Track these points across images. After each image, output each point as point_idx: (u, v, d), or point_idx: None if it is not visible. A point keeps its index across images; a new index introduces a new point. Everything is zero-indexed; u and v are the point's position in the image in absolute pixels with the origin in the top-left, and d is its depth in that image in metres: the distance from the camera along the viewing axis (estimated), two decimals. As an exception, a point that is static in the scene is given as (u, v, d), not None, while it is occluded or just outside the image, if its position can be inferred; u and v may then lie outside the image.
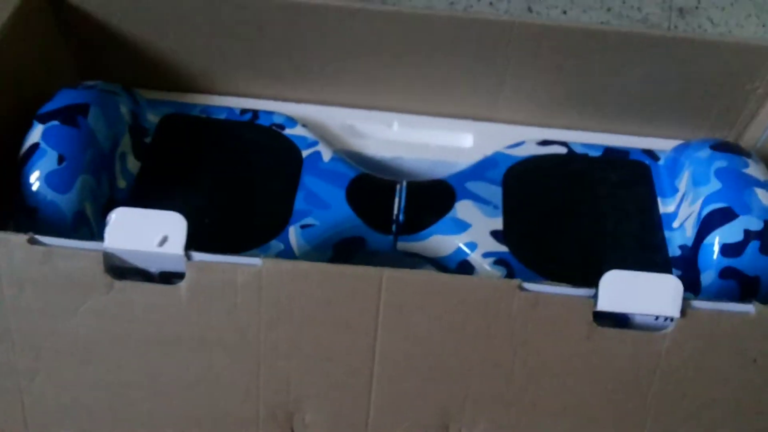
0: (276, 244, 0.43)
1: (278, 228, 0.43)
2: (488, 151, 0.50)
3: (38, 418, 0.36)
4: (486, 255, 0.42)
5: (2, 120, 0.43)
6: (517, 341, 0.33)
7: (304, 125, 0.49)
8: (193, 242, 0.41)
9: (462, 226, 0.43)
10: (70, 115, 0.42)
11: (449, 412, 0.35)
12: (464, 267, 0.43)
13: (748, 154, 0.43)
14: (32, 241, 0.33)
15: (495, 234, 0.43)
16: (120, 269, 0.34)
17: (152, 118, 0.48)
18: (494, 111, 0.51)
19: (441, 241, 0.44)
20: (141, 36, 0.49)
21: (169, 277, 0.34)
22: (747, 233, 0.40)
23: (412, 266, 0.46)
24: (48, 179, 0.40)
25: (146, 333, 0.35)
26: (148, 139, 0.47)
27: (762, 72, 0.46)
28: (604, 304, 0.33)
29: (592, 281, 0.41)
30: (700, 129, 0.51)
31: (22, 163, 0.41)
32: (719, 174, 0.42)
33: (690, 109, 0.50)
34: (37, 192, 0.40)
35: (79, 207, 0.41)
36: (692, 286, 0.41)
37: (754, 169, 0.42)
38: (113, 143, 0.44)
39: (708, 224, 0.41)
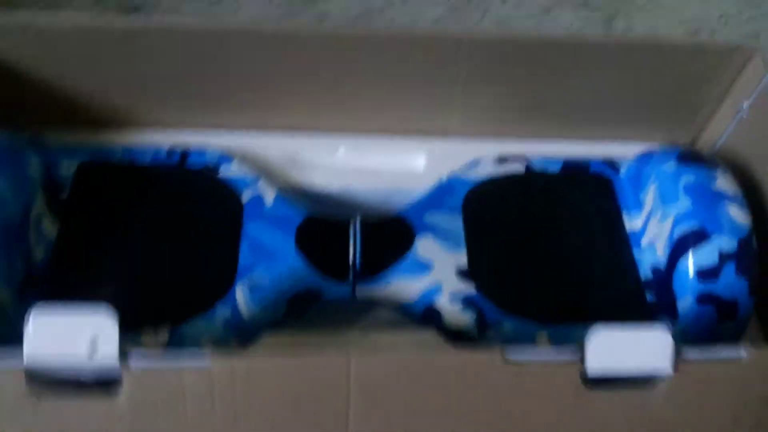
0: (222, 309, 0.38)
1: (223, 289, 0.39)
2: (443, 173, 0.46)
3: None
4: (453, 298, 0.39)
5: None
6: (502, 414, 0.31)
7: (241, 162, 0.44)
8: (128, 318, 0.37)
9: (424, 267, 0.40)
10: (-35, 187, 0.36)
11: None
12: (431, 313, 0.40)
13: (715, 165, 0.41)
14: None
15: (460, 272, 0.40)
16: (47, 382, 0.29)
17: (67, 168, 0.42)
18: (446, 125, 0.48)
19: (403, 286, 0.40)
20: (51, 75, 0.43)
21: (106, 384, 0.30)
22: (722, 256, 0.38)
23: (375, 314, 0.43)
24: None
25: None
26: (64, 195, 0.41)
27: (718, 73, 0.44)
28: (593, 366, 0.30)
29: (565, 316, 0.40)
30: (657, 131, 0.48)
31: None
32: (688, 190, 0.40)
33: (646, 112, 0.47)
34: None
35: (-8, 296, 0.35)
36: (668, 310, 0.39)
37: (722, 182, 0.40)
38: (24, 209, 0.38)
39: (681, 247, 0.39)
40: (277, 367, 0.29)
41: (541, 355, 0.30)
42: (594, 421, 0.31)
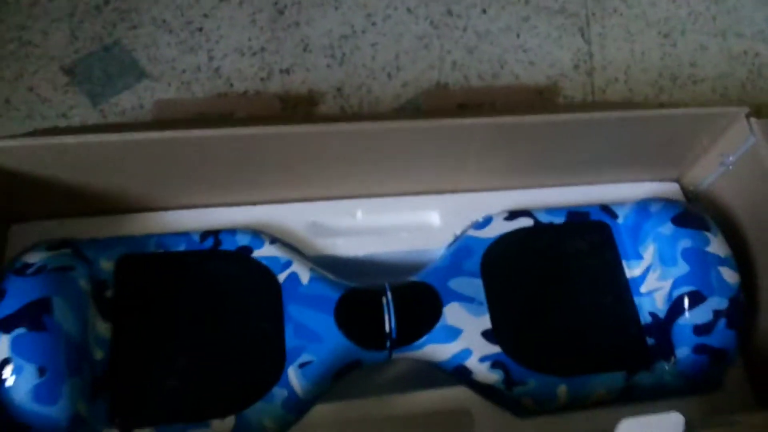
0: (279, 391, 0.42)
1: (277, 373, 0.43)
2: (457, 229, 0.50)
3: None
4: (482, 360, 0.44)
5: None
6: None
7: (273, 241, 0.47)
8: (193, 410, 0.41)
9: (454, 333, 0.45)
10: (34, 318, 0.38)
11: None
12: (462, 371, 0.45)
13: (707, 228, 0.46)
14: None
15: (486, 334, 0.45)
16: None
17: (106, 265, 0.45)
18: (457, 183, 0.51)
19: (436, 350, 0.45)
20: (68, 175, 0.45)
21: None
22: (716, 313, 0.43)
23: (409, 369, 0.48)
24: (34, 395, 0.37)
25: None
26: (109, 293, 0.44)
27: (706, 128, 0.49)
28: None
29: (579, 368, 0.45)
30: (647, 172, 0.53)
31: (-2, 381, 0.38)
32: (686, 255, 0.45)
33: (638, 160, 0.52)
34: (25, 409, 0.37)
35: (72, 410, 0.38)
36: (664, 353, 0.45)
37: (715, 246, 0.45)
38: (82, 324, 0.41)
39: (679, 305, 0.44)
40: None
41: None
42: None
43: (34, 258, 0.41)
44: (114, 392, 0.41)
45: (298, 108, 0.65)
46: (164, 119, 0.62)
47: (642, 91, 0.68)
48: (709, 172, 0.51)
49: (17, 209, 0.47)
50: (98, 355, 0.42)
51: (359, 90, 0.66)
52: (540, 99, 0.67)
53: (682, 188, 0.54)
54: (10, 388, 0.37)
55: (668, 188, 0.54)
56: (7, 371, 0.37)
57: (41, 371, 0.38)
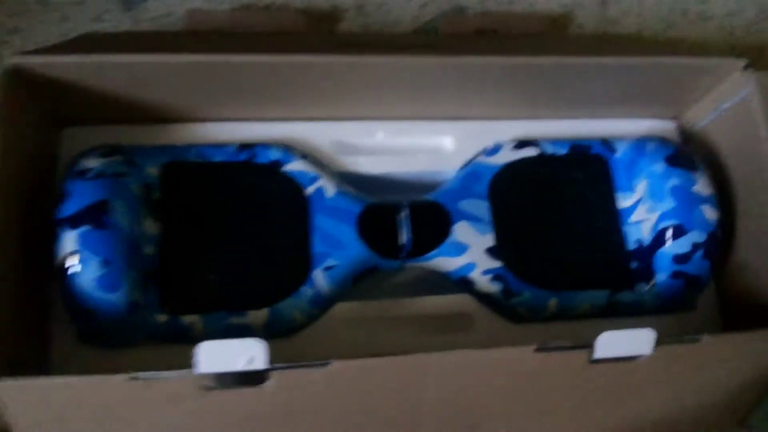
0: (306, 290, 0.49)
1: (305, 274, 0.49)
2: (468, 154, 0.55)
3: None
4: (484, 273, 0.50)
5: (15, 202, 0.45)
6: (532, 378, 0.43)
7: (302, 156, 0.52)
8: (233, 301, 0.47)
9: (461, 248, 0.51)
10: (96, 217, 0.44)
11: (479, 422, 0.46)
12: (465, 282, 0.51)
13: (695, 168, 0.51)
14: (133, 378, 0.38)
15: (490, 251, 0.51)
16: (212, 380, 0.40)
17: (152, 171, 0.49)
18: (469, 113, 0.56)
19: (444, 262, 0.51)
20: (116, 88, 0.49)
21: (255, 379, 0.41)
22: (694, 245, 0.49)
23: (418, 276, 0.54)
24: (98, 283, 0.43)
25: (237, 417, 0.42)
26: (155, 195, 0.49)
27: (705, 76, 0.53)
28: (599, 354, 0.42)
29: (569, 285, 0.51)
30: (646, 110, 0.57)
31: (65, 270, 0.43)
32: (674, 192, 0.50)
33: (638, 100, 0.56)
34: (90, 295, 0.43)
35: (131, 297, 0.44)
36: (645, 277, 0.52)
37: (700, 185, 0.50)
38: (135, 222, 0.46)
39: (662, 236, 0.50)
40: (377, 366, 0.41)
41: (563, 344, 0.42)
42: (595, 381, 0.44)
43: (93, 163, 0.46)
44: (163, 284, 0.47)
45: (321, 24, 0.68)
46: (193, 30, 0.64)
47: (652, 25, 0.71)
48: (705, 115, 0.55)
49: (70, 114, 0.51)
50: (149, 250, 0.47)
51: (379, 8, 0.69)
52: (553, 27, 0.69)
53: (679, 127, 0.59)
54: (77, 277, 0.43)
55: (666, 126, 0.58)
56: (75, 263, 0.43)
57: (105, 263, 0.43)
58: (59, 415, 0.40)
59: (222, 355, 0.39)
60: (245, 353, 0.39)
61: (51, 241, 0.44)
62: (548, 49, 0.53)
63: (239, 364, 0.39)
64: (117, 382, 0.38)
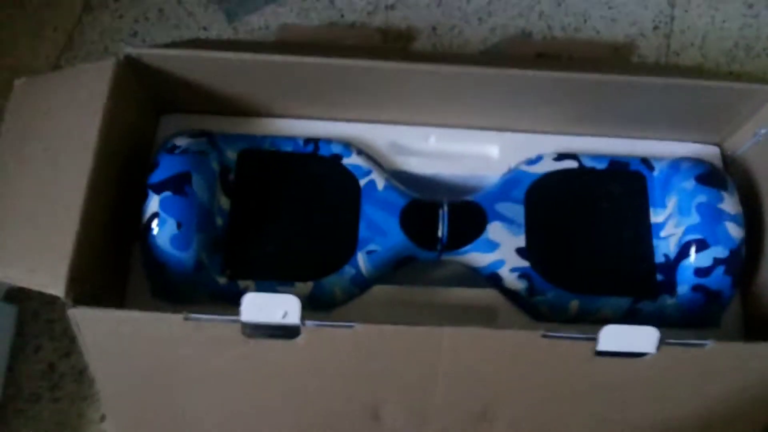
0: (349, 269, 0.55)
1: (349, 255, 0.55)
2: (512, 162, 0.60)
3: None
4: (512, 270, 0.55)
5: (118, 171, 0.53)
6: (539, 364, 0.47)
7: (359, 152, 0.58)
8: (284, 272, 0.54)
9: (493, 246, 0.55)
10: (178, 185, 0.52)
11: (488, 404, 0.50)
12: (494, 277, 0.55)
13: (725, 187, 0.53)
14: (187, 318, 0.46)
15: (519, 251, 0.55)
16: (254, 329, 0.47)
17: (231, 155, 0.57)
18: (517, 125, 0.60)
19: (476, 257, 0.55)
20: (209, 81, 0.57)
21: (290, 332, 0.47)
22: (715, 260, 0.51)
23: (452, 270, 0.59)
24: (172, 242, 0.51)
25: (273, 367, 0.48)
26: (231, 176, 0.57)
27: (745, 101, 0.55)
28: (602, 346, 0.45)
29: (592, 289, 0.54)
30: (690, 134, 0.60)
31: (146, 228, 0.51)
32: (699, 208, 0.52)
33: (682, 122, 0.59)
34: (164, 252, 0.51)
35: (197, 258, 0.52)
36: (669, 289, 0.54)
37: (727, 203, 0.52)
38: (211, 196, 0.54)
39: (686, 249, 0.53)
40: (397, 332, 0.46)
41: (570, 335, 0.46)
42: (599, 375, 0.47)
43: (181, 141, 0.55)
44: (227, 251, 0.55)
45: (397, 42, 0.75)
46: (285, 41, 0.73)
47: (715, 58, 0.73)
48: (745, 141, 0.57)
49: (168, 104, 0.60)
50: (219, 222, 0.55)
51: (451, 31, 0.75)
52: (615, 56, 0.73)
53: (722, 152, 0.61)
54: (155, 235, 0.51)
55: (709, 150, 0.61)
56: (155, 222, 0.51)
57: (179, 225, 0.51)
58: (125, 347, 0.48)
59: (263, 306, 0.45)
60: (282, 307, 0.45)
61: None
62: (609, 69, 0.56)
63: (276, 316, 0.45)
64: (173, 320, 0.46)
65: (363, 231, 0.56)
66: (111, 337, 0.48)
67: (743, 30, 0.74)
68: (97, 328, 0.47)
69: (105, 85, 0.51)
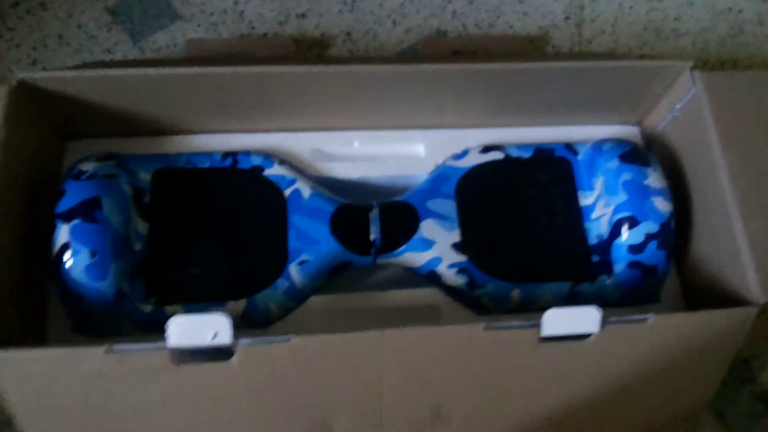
0: (282, 282, 0.52)
1: (280, 268, 0.53)
2: (438, 160, 0.59)
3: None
4: (450, 266, 0.53)
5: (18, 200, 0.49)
6: (485, 357, 0.46)
7: (281, 162, 0.56)
8: (213, 293, 0.51)
9: (428, 244, 0.54)
10: (87, 212, 0.48)
11: (439, 404, 0.48)
12: (433, 276, 0.54)
13: (648, 163, 0.54)
14: (108, 351, 0.42)
15: (455, 246, 0.54)
16: (183, 355, 0.44)
17: (144, 176, 0.54)
18: (440, 120, 0.59)
19: (412, 257, 0.54)
20: (114, 102, 0.54)
21: (222, 354, 0.44)
22: (647, 236, 0.52)
23: (390, 273, 0.58)
24: (86, 272, 0.48)
25: (208, 392, 0.45)
26: (146, 198, 0.54)
27: (658, 79, 0.56)
28: (546, 332, 0.45)
29: (532, 277, 0.54)
30: (610, 117, 0.60)
31: (58, 260, 0.48)
32: (625, 186, 0.53)
33: (601, 105, 0.59)
34: (80, 283, 0.48)
35: (117, 286, 0.49)
36: (606, 269, 0.54)
37: (652, 179, 0.53)
38: (125, 220, 0.51)
39: (618, 228, 0.53)
40: (335, 340, 0.44)
41: (513, 323, 0.45)
42: (547, 361, 0.46)
43: (87, 166, 0.51)
44: (150, 277, 0.51)
45: (311, 50, 0.73)
46: (194, 56, 0.70)
47: (626, 43, 0.75)
48: (663, 118, 0.58)
49: (73, 129, 0.56)
50: (138, 247, 0.52)
51: (366, 35, 0.74)
52: (530, 48, 0.73)
53: (642, 131, 0.62)
54: (68, 266, 0.48)
55: (629, 131, 0.61)
56: (67, 254, 0.48)
57: (92, 253, 0.48)
58: (44, 387, 0.44)
59: (191, 329, 0.42)
60: (211, 327, 0.42)
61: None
62: (524, 60, 0.56)
63: (206, 338, 0.43)
64: (94, 353, 0.42)
65: (293, 242, 0.53)
66: (31, 379, 0.44)
67: (650, 14, 0.76)
68: (14, 371, 0.43)
69: (-2, 114, 0.48)
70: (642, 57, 0.74)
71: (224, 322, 0.43)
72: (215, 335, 0.43)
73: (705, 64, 0.74)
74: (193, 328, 0.42)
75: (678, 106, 0.56)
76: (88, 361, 0.43)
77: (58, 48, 0.72)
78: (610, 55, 0.73)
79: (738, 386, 0.63)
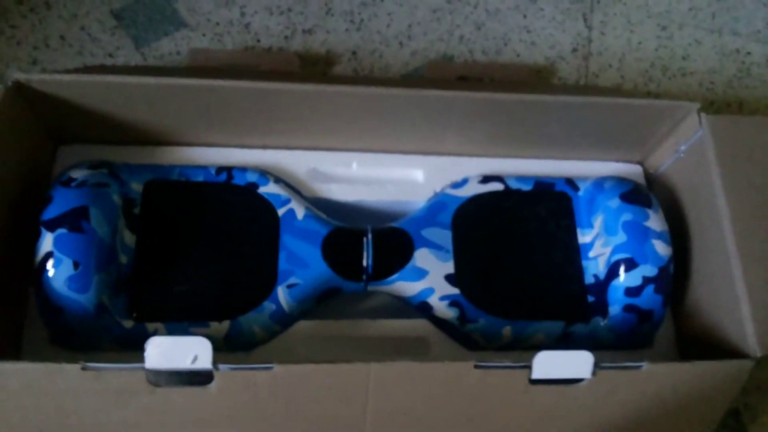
0: (268, 305, 0.51)
1: (268, 290, 0.51)
2: (437, 187, 0.58)
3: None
4: (442, 298, 0.52)
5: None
6: (474, 396, 0.44)
7: (276, 180, 0.55)
8: (196, 312, 0.50)
9: (421, 274, 0.53)
10: (74, 222, 0.47)
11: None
12: (424, 306, 0.53)
13: (649, 205, 0.53)
14: (85, 368, 0.41)
15: (448, 277, 0.53)
16: (160, 377, 0.42)
17: (136, 187, 0.53)
18: (441, 146, 0.58)
19: (404, 286, 0.53)
20: (110, 108, 0.53)
21: (201, 378, 0.43)
22: (645, 279, 0.50)
23: (380, 301, 0.56)
24: (68, 283, 0.46)
25: (185, 417, 0.44)
26: (136, 210, 0.52)
27: (664, 119, 0.55)
28: (536, 375, 0.43)
29: (525, 314, 0.53)
30: (613, 154, 0.60)
31: (40, 270, 0.46)
32: (625, 227, 0.52)
33: (604, 142, 0.58)
34: (60, 295, 0.46)
35: (98, 300, 0.47)
36: (601, 311, 0.53)
37: (653, 221, 0.52)
38: (113, 231, 0.49)
39: (615, 269, 0.51)
40: (319, 370, 0.42)
41: (502, 364, 0.43)
42: (537, 403, 0.45)
43: (78, 173, 0.50)
44: (134, 291, 0.50)
45: (316, 67, 0.72)
46: (197, 66, 0.70)
47: (633, 78, 0.74)
48: (666, 158, 0.57)
49: (65, 133, 0.55)
50: (123, 259, 0.50)
51: (372, 55, 0.73)
52: (536, 78, 0.73)
53: (645, 171, 0.61)
54: (50, 277, 0.46)
55: (631, 169, 0.60)
56: (49, 263, 0.46)
57: (76, 265, 0.46)
58: (18, 403, 0.43)
59: (170, 351, 0.41)
60: (191, 350, 0.41)
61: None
62: (521, 91, 0.55)
63: (185, 361, 0.41)
64: (69, 370, 0.41)
65: (283, 263, 0.52)
66: (3, 393, 0.42)
67: (659, 51, 0.76)
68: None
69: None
70: (648, 94, 0.73)
71: (205, 346, 0.41)
72: (195, 359, 0.41)
73: (711, 104, 0.74)
74: (173, 350, 0.41)
75: (683, 148, 0.55)
76: (62, 377, 0.41)
77: (59, 48, 0.71)
78: (616, 90, 0.72)
79: (728, 437, 0.62)
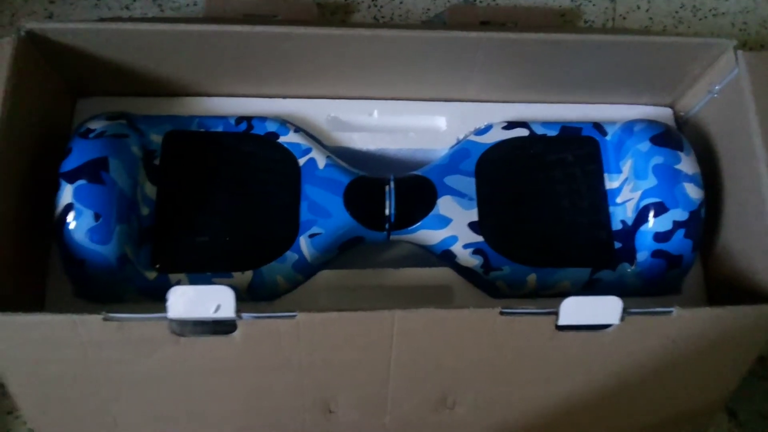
0: (291, 255, 0.50)
1: (290, 240, 0.51)
2: (460, 134, 0.56)
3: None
4: (466, 246, 0.51)
5: (23, 160, 0.48)
6: (499, 343, 0.44)
7: (297, 130, 0.54)
8: (220, 263, 0.49)
9: (444, 222, 0.52)
10: (93, 173, 0.47)
11: (447, 389, 0.46)
12: (447, 255, 0.52)
13: (681, 147, 0.51)
14: (107, 319, 0.41)
15: (472, 225, 0.52)
16: (184, 328, 0.42)
17: (155, 138, 0.52)
18: (464, 93, 0.57)
19: (427, 234, 0.52)
20: (127, 58, 0.52)
21: (225, 328, 0.43)
22: (675, 223, 0.49)
23: (403, 250, 0.56)
24: (89, 235, 0.46)
25: (208, 366, 0.44)
26: (156, 161, 0.52)
27: (698, 57, 0.53)
28: (564, 320, 0.43)
29: (550, 261, 0.52)
30: (642, 96, 0.57)
31: (60, 222, 0.46)
32: (656, 170, 0.50)
33: (634, 84, 0.56)
34: (82, 247, 0.46)
35: (120, 251, 0.47)
36: (629, 257, 0.51)
37: (685, 164, 0.50)
38: (133, 182, 0.49)
39: (644, 214, 0.50)
40: (343, 318, 0.42)
41: (528, 310, 0.43)
42: (562, 350, 0.44)
43: (96, 125, 0.50)
44: (156, 242, 0.50)
45: (335, 16, 0.71)
46: (214, 16, 0.68)
47: (662, 21, 0.71)
48: (699, 100, 0.55)
49: (83, 86, 0.55)
50: (145, 211, 0.50)
51: (392, 1, 0.71)
52: (561, 22, 0.70)
53: (675, 113, 0.58)
54: (71, 229, 0.46)
55: (661, 112, 0.58)
56: (70, 215, 0.46)
57: (96, 216, 0.46)
58: (42, 355, 0.43)
59: (193, 300, 0.41)
60: (214, 300, 0.41)
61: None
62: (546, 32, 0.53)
63: (208, 311, 0.41)
64: (92, 321, 0.41)
65: (305, 213, 0.51)
66: (25, 345, 0.43)
67: (689, -10, 0.72)
68: (9, 336, 0.42)
69: (4, 66, 0.46)
70: (678, 36, 0.70)
71: (227, 295, 0.41)
72: (218, 308, 0.41)
73: (744, 45, 0.70)
74: (195, 300, 0.41)
75: (717, 87, 0.52)
76: (85, 328, 0.41)
77: (75, 2, 0.70)
78: (645, 32, 0.70)
79: (753, 384, 0.61)
